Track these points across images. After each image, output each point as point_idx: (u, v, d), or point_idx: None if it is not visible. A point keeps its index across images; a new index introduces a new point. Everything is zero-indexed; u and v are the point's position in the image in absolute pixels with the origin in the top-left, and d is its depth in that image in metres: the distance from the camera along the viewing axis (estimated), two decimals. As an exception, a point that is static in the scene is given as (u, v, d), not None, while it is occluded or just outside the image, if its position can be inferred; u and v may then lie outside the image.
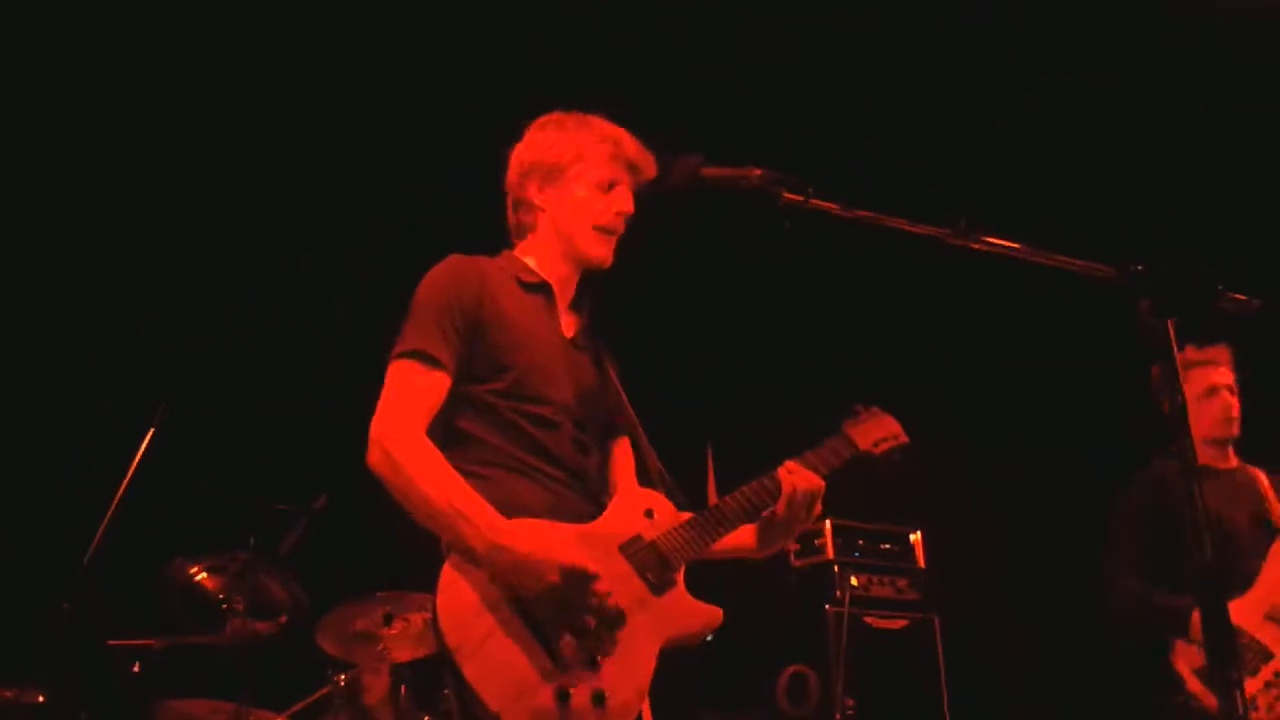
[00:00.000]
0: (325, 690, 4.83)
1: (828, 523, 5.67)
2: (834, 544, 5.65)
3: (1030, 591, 6.05)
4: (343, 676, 4.82)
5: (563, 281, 2.77)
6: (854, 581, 5.55)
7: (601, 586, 2.30)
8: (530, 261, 2.77)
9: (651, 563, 2.46)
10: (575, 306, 2.81)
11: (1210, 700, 3.98)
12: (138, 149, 5.57)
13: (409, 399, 2.46)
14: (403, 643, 4.76)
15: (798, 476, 2.59)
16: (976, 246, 2.04)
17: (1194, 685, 4.03)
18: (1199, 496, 1.72)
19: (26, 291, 5.54)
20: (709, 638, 2.48)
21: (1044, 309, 5.35)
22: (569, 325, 2.76)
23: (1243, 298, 1.77)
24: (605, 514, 2.54)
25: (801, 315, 6.47)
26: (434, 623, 2.31)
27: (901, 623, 5.66)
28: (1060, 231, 2.19)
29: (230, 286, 5.76)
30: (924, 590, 5.81)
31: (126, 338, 5.64)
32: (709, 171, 2.45)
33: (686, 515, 2.59)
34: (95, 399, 5.46)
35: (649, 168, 2.78)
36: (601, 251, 2.74)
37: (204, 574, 4.83)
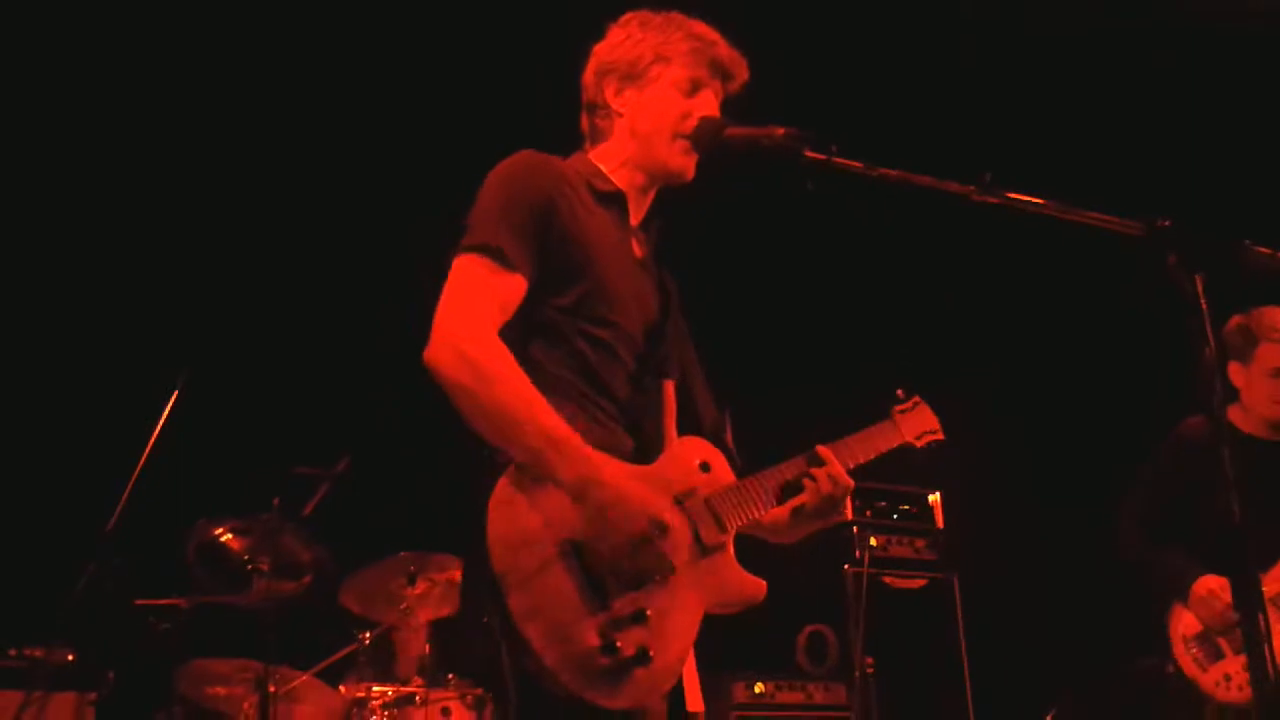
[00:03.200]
0: (350, 649, 4.89)
1: (847, 483, 5.68)
2: (853, 505, 5.66)
3: (1048, 551, 6.06)
4: (367, 635, 4.87)
5: (637, 194, 2.54)
6: (873, 542, 5.57)
7: (664, 540, 2.19)
8: (605, 169, 2.53)
9: (705, 520, 2.31)
10: (644, 225, 2.58)
11: (1193, 670, 3.97)
12: (161, 115, 5.59)
13: (481, 298, 2.20)
14: (426, 602, 4.81)
15: (832, 468, 2.44)
16: (1001, 203, 2.02)
17: (1179, 652, 4.01)
18: (1227, 460, 1.70)
19: (52, 257, 5.57)
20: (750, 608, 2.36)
21: (1066, 269, 5.34)
22: (639, 244, 2.54)
23: (1270, 252, 1.76)
24: (661, 459, 2.34)
25: (820, 277, 6.46)
26: (479, 544, 2.06)
27: (920, 582, 5.68)
28: (1086, 189, 2.18)
29: (253, 249, 5.77)
30: (942, 550, 5.83)
31: (151, 301, 5.67)
32: (733, 131, 2.43)
33: (733, 478, 2.43)
34: (120, 361, 5.49)
35: (741, 73, 2.55)
36: (681, 162, 2.49)
37: (229, 535, 4.87)
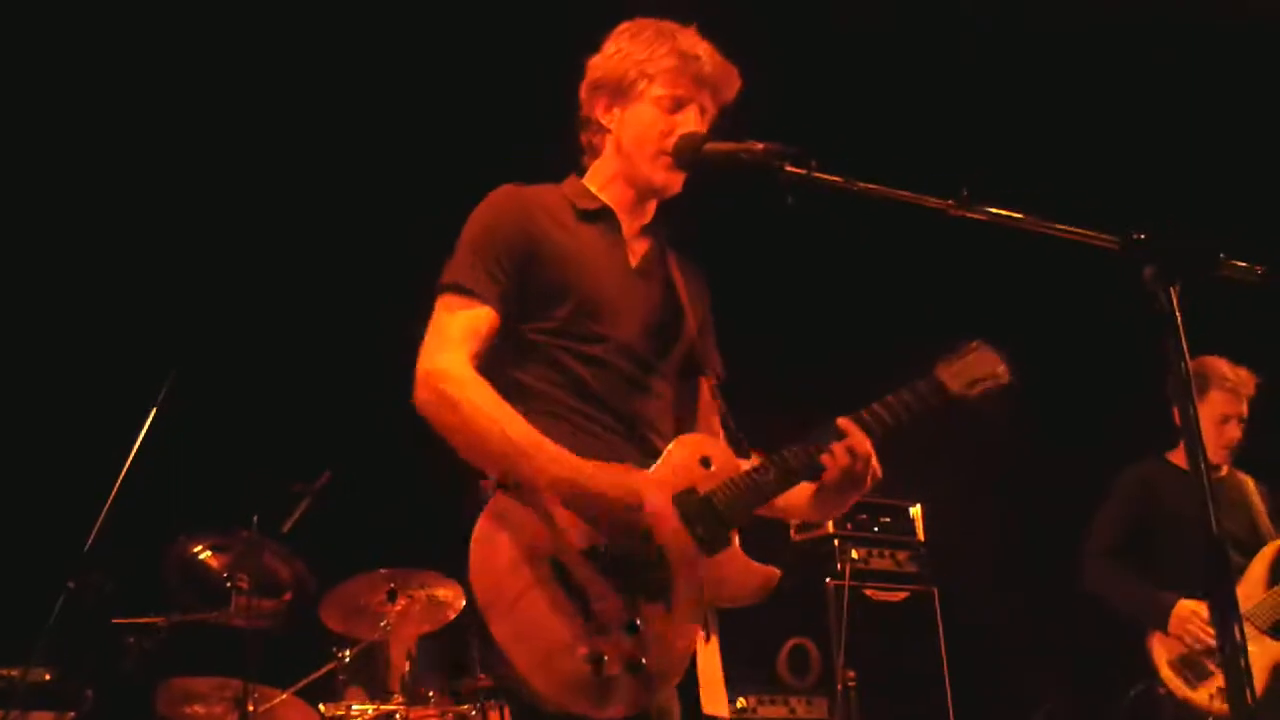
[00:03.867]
0: (331, 666, 4.86)
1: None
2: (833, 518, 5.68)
3: (1029, 565, 6.08)
4: (347, 653, 4.85)
5: (629, 207, 2.56)
6: (854, 555, 5.58)
7: (654, 539, 2.19)
8: (594, 186, 2.58)
9: (704, 518, 2.27)
10: (648, 231, 2.60)
11: (1184, 691, 4.16)
12: (147, 118, 5.55)
13: (451, 332, 2.31)
14: (407, 619, 4.79)
15: (852, 439, 2.33)
16: (980, 217, 2.04)
17: (1168, 676, 4.20)
18: (1205, 468, 1.71)
19: (32, 272, 5.54)
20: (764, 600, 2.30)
21: (1046, 283, 5.36)
22: (636, 252, 2.55)
23: (1246, 265, 1.77)
24: (660, 461, 2.33)
25: (797, 284, 6.46)
26: (467, 578, 2.14)
27: (901, 595, 5.69)
28: (1063, 203, 2.19)
29: (234, 266, 5.75)
30: (924, 563, 5.85)
31: (130, 316, 5.64)
32: (712, 147, 2.45)
33: (744, 465, 2.39)
34: (99, 378, 5.46)
35: (730, 84, 2.55)
36: (665, 178, 2.51)
37: (208, 552, 4.85)
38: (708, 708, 2.30)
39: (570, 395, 2.36)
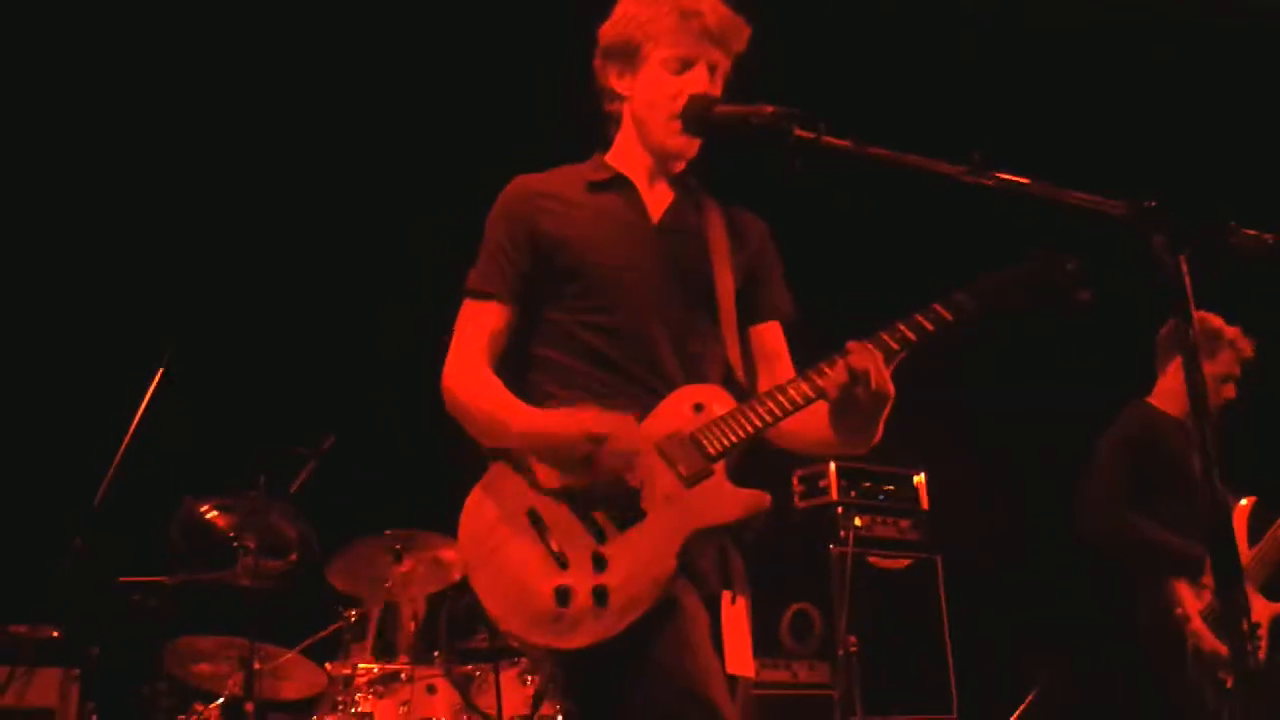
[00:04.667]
0: (336, 626, 4.89)
1: (831, 464, 5.71)
2: (838, 485, 5.70)
3: (1032, 533, 6.09)
4: (353, 612, 4.87)
5: (650, 169, 2.56)
6: (858, 522, 5.61)
7: (625, 471, 2.22)
8: (615, 157, 2.59)
9: (685, 454, 2.27)
10: (677, 185, 2.59)
11: (1209, 641, 4.15)
12: (147, 90, 5.55)
13: (465, 339, 2.47)
14: (413, 580, 4.81)
15: (853, 358, 2.22)
16: (990, 183, 2.02)
17: (1198, 625, 4.18)
18: (1207, 429, 1.70)
19: (35, 233, 5.54)
20: (759, 521, 2.28)
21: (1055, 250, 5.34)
22: (659, 208, 2.55)
23: (1256, 234, 1.77)
24: (652, 414, 2.33)
25: (798, 247, 6.44)
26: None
27: (904, 563, 5.72)
28: (1073, 170, 2.18)
29: (238, 229, 5.75)
30: (927, 531, 5.87)
31: (136, 280, 5.65)
32: (721, 109, 2.42)
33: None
34: (104, 339, 5.47)
35: (735, 39, 2.51)
36: (678, 142, 2.50)
37: (214, 512, 4.86)
38: (732, 667, 2.29)
39: (590, 365, 2.41)
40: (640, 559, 2.19)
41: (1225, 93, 5.85)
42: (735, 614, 2.36)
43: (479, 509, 2.29)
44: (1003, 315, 2.36)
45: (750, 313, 2.57)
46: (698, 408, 2.34)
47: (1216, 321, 4.53)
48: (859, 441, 2.38)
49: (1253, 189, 5.72)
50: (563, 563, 2.19)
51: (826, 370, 2.29)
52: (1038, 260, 2.34)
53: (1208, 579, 4.19)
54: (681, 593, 2.23)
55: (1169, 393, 4.60)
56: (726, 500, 2.28)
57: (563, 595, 2.16)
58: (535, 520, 2.25)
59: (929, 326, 2.31)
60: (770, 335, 2.60)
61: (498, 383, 2.42)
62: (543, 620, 2.15)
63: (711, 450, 2.29)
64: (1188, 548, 4.23)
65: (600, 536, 2.22)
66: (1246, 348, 4.54)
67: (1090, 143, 5.90)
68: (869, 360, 2.22)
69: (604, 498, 2.24)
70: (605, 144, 2.65)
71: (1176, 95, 5.85)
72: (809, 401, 2.32)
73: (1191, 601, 4.21)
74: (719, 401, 2.36)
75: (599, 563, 2.19)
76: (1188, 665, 4.17)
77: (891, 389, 2.24)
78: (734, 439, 2.30)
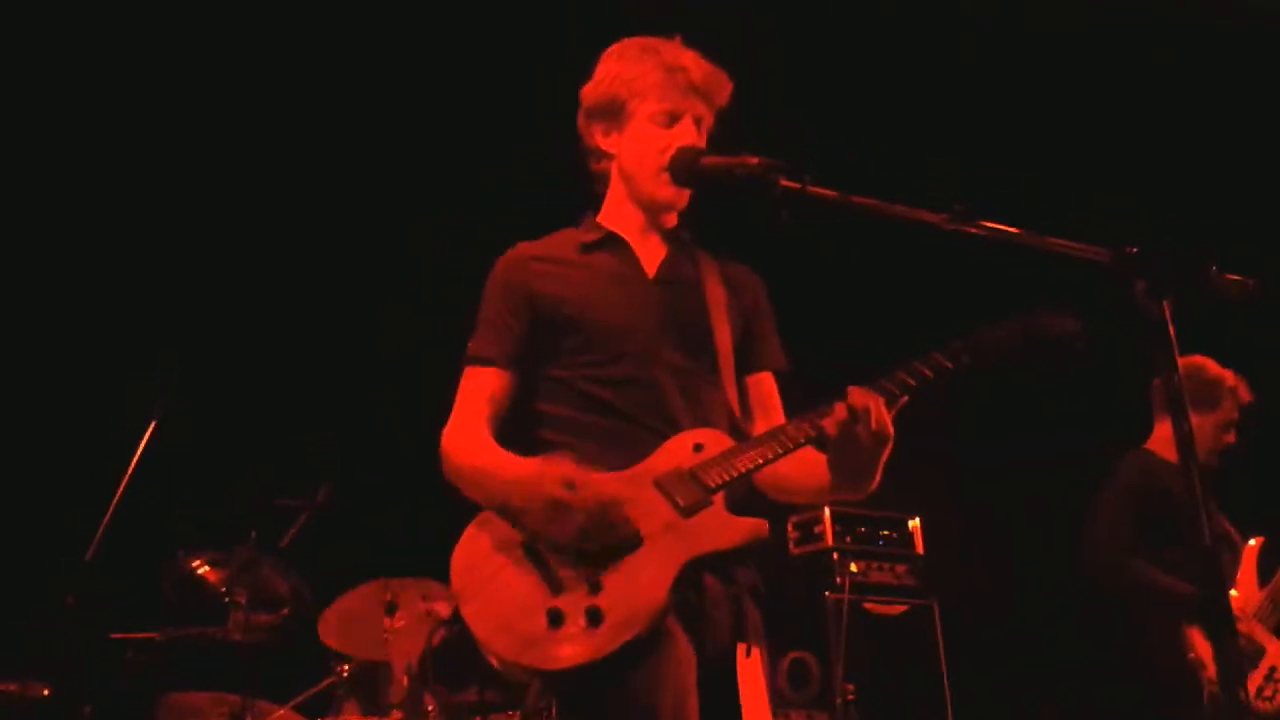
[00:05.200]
0: (329, 681, 4.86)
1: (826, 510, 5.69)
2: (833, 531, 5.68)
3: (1029, 577, 6.08)
4: (345, 667, 4.84)
5: (641, 225, 2.61)
6: (853, 568, 5.58)
7: (617, 508, 2.21)
8: (605, 216, 2.64)
9: (683, 488, 2.29)
10: (670, 240, 2.63)
11: None
12: (148, 130, 5.57)
13: (464, 405, 2.51)
14: (406, 635, 4.77)
15: (854, 397, 2.25)
16: (973, 231, 2.04)
17: (1214, 672, 4.08)
18: (1196, 480, 1.72)
19: (28, 282, 5.54)
20: (758, 548, 2.28)
21: (1041, 296, 5.36)
22: (653, 262, 2.59)
23: (1238, 278, 1.78)
24: (653, 455, 2.36)
25: (790, 299, 6.46)
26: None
27: (901, 609, 5.69)
28: (1055, 218, 2.20)
29: (232, 278, 5.76)
30: (923, 576, 5.84)
31: (129, 330, 5.65)
32: (708, 160, 2.46)
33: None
34: (97, 391, 5.46)
35: (719, 93, 2.57)
36: (668, 194, 2.55)
37: (206, 567, 4.84)
38: None
39: (598, 416, 2.44)
40: (636, 583, 2.18)
41: (1225, 95, 5.89)
42: (750, 667, 2.35)
43: (474, 542, 2.30)
44: (999, 369, 2.39)
45: (746, 363, 2.61)
46: (697, 448, 2.37)
47: (1214, 369, 4.56)
48: (857, 486, 2.38)
49: (1253, 189, 5.78)
50: (557, 587, 2.19)
51: (827, 412, 2.31)
52: (1037, 316, 2.39)
53: None
54: (674, 633, 2.21)
55: (1168, 440, 4.54)
56: (725, 528, 2.28)
57: (555, 618, 2.15)
58: (531, 551, 2.25)
59: (928, 374, 2.35)
60: (765, 385, 2.64)
61: (491, 441, 2.46)
62: (533, 642, 2.14)
63: (710, 483, 2.30)
64: (1194, 593, 4.17)
65: (597, 566, 2.21)
66: (1245, 394, 4.57)
67: (1090, 143, 5.95)
68: (869, 400, 2.25)
69: (581, 549, 2.21)
70: (595, 204, 2.69)
71: (1176, 97, 5.89)
72: (809, 440, 2.34)
73: (1206, 648, 4.15)
74: (718, 443, 2.38)
75: (594, 587, 2.18)
76: (1204, 712, 4.11)
77: (891, 431, 2.26)
78: (733, 474, 2.32)
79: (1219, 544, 4.18)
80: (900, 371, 2.34)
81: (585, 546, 2.19)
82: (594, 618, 2.13)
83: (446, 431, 2.48)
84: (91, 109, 5.52)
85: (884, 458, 2.31)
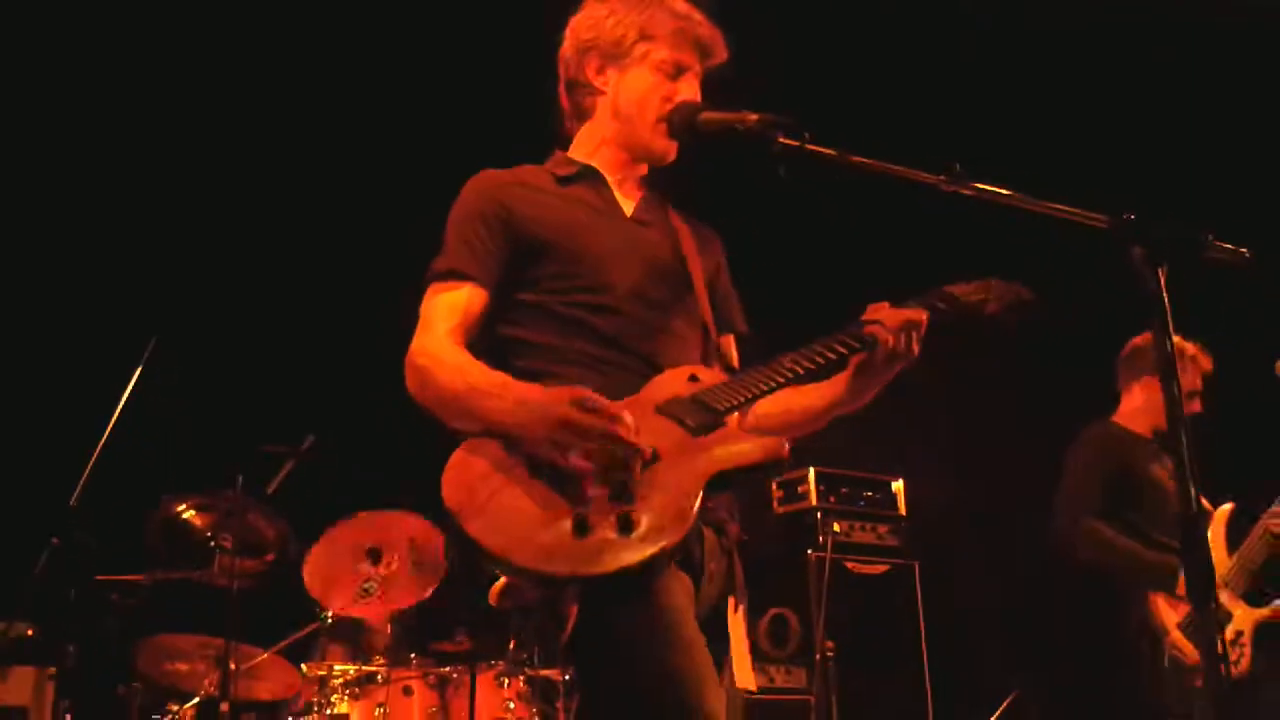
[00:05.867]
0: (313, 627, 4.88)
1: (811, 470, 5.73)
2: (817, 491, 5.72)
3: (1009, 540, 6.12)
4: (330, 614, 4.86)
5: (619, 166, 2.54)
6: (836, 528, 5.62)
7: (628, 430, 2.09)
8: (579, 153, 2.56)
9: (689, 410, 2.22)
10: (643, 185, 2.59)
11: (1191, 652, 4.15)
12: (130, 88, 5.52)
13: (434, 318, 2.33)
14: (390, 582, 4.80)
15: (886, 315, 2.34)
16: (970, 193, 2.05)
17: (1176, 636, 4.19)
18: (1185, 444, 1.73)
19: (16, 229, 5.51)
20: (779, 466, 2.21)
21: (1031, 259, 5.37)
22: (630, 202, 2.54)
23: (1232, 247, 1.79)
24: (648, 385, 2.29)
25: (778, 255, 6.45)
26: (442, 500, 2.10)
27: (882, 568, 5.74)
28: (1053, 183, 2.20)
29: (219, 226, 5.73)
30: (905, 537, 5.89)
31: (116, 276, 5.63)
32: (706, 116, 2.43)
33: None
34: (83, 337, 5.45)
35: (719, 52, 2.54)
36: (663, 145, 2.50)
37: (192, 511, 4.86)
38: (740, 681, 2.28)
39: (587, 343, 2.34)
40: (665, 494, 2.08)
41: (1225, 93, 5.88)
42: (737, 624, 2.33)
43: (467, 463, 2.14)
44: (964, 319, 2.50)
45: (717, 319, 2.56)
46: (693, 378, 2.31)
47: (1175, 340, 4.58)
48: (860, 402, 2.46)
49: (1252, 188, 5.79)
50: (577, 498, 2.06)
51: (857, 330, 2.36)
52: (996, 283, 2.56)
53: (1183, 590, 4.21)
54: (675, 580, 2.15)
55: (1133, 413, 4.68)
56: (744, 445, 2.21)
57: (581, 525, 2.02)
58: (536, 466, 2.12)
59: (941, 306, 2.45)
60: (727, 347, 2.59)
61: (477, 361, 2.29)
62: (560, 550, 2.00)
63: (719, 406, 2.25)
64: (1159, 558, 4.26)
65: (617, 477, 2.09)
66: (1206, 362, 4.60)
67: (1089, 143, 5.94)
68: (917, 313, 2.37)
69: (604, 438, 2.09)
70: (562, 143, 2.62)
71: (1176, 95, 5.88)
72: (842, 358, 2.36)
73: (1168, 614, 4.22)
74: (711, 375, 2.34)
75: (620, 498, 2.06)
76: (1166, 677, 4.19)
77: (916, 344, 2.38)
78: (743, 396, 2.27)
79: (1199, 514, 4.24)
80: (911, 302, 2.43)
81: (600, 471, 2.08)
82: (625, 525, 2.02)
83: (417, 347, 2.30)
84: (91, 92, 5.48)
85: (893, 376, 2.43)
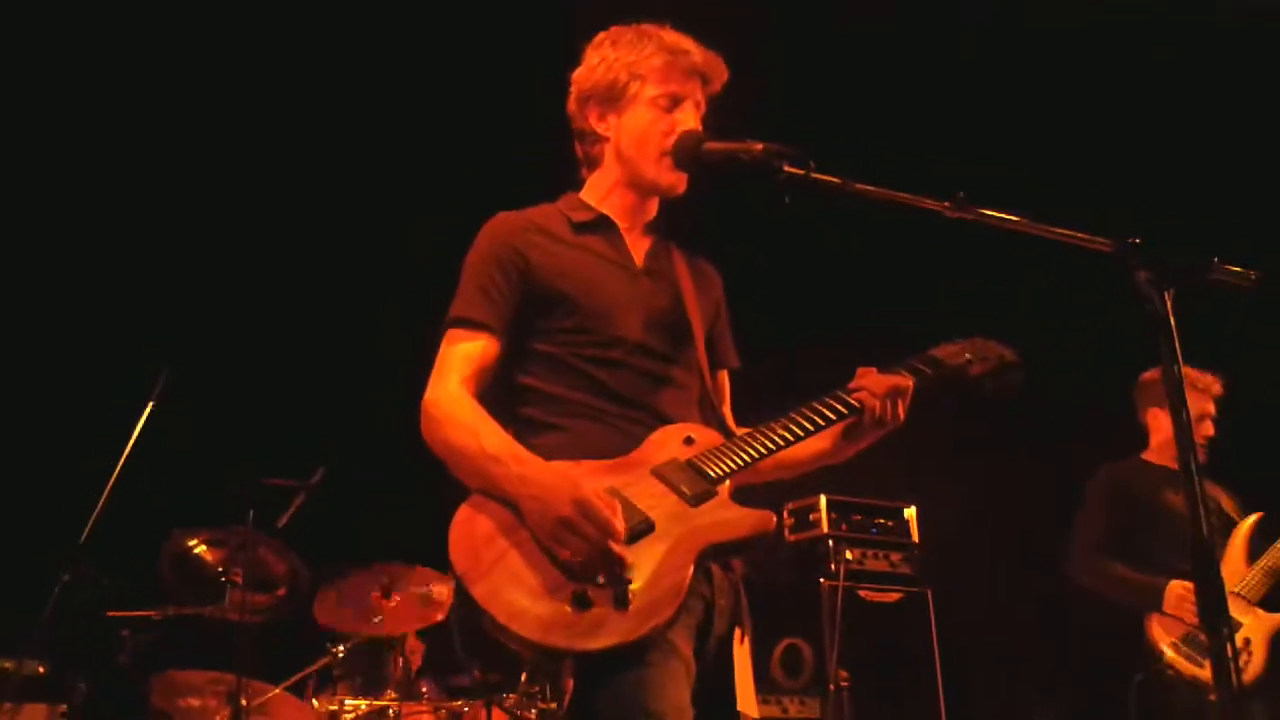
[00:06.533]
0: (324, 662, 4.87)
1: (822, 498, 5.71)
2: (829, 518, 5.69)
3: (1022, 567, 6.09)
4: (341, 648, 4.85)
5: (630, 211, 2.59)
6: (848, 555, 5.58)
7: (617, 544, 2.14)
8: (591, 198, 2.61)
9: (686, 477, 2.28)
10: (651, 230, 2.63)
11: (1191, 668, 4.22)
12: (141, 114, 5.55)
13: (450, 365, 2.39)
14: (401, 616, 4.79)
15: (873, 382, 2.46)
16: (975, 219, 2.05)
17: (1172, 657, 4.27)
18: (1195, 472, 1.72)
19: (26, 264, 5.54)
20: (766, 541, 2.27)
21: (1039, 286, 5.37)
22: (640, 251, 2.59)
23: (1239, 269, 1.79)
24: (644, 444, 2.35)
25: (790, 282, 6.46)
26: (448, 559, 2.18)
27: (895, 596, 5.70)
28: (1058, 208, 2.21)
29: (230, 261, 5.75)
30: (917, 564, 5.86)
31: (126, 311, 5.64)
32: (711, 145, 2.45)
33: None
34: (95, 373, 5.46)
35: (719, 74, 2.57)
36: (670, 178, 2.53)
37: (203, 546, 4.86)
38: (741, 705, 2.30)
39: (591, 396, 2.39)
40: (657, 568, 2.14)
41: (1225, 93, 5.88)
42: (743, 654, 2.37)
43: (471, 525, 2.21)
44: (950, 384, 2.58)
45: (716, 359, 2.64)
46: (688, 440, 2.36)
47: (1155, 373, 4.68)
48: (844, 457, 2.57)
49: (1252, 188, 5.78)
50: (579, 574, 2.11)
51: (845, 396, 2.44)
52: (979, 342, 2.65)
53: (1168, 606, 4.30)
54: (676, 643, 2.19)
55: (1160, 446, 4.79)
56: (734, 517, 2.26)
57: (581, 600, 2.08)
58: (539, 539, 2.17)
59: (928, 371, 2.55)
60: (721, 382, 2.68)
61: (490, 419, 2.34)
62: (560, 624, 2.07)
63: (713, 474, 2.30)
64: (1146, 580, 4.38)
65: (610, 564, 2.14)
66: (1213, 384, 4.69)
67: (1089, 143, 5.94)
68: (903, 380, 2.47)
69: (596, 540, 2.14)
70: (575, 186, 2.67)
71: (1176, 96, 5.88)
72: (830, 424, 2.43)
73: (1161, 635, 4.31)
74: (706, 436, 2.39)
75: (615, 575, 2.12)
76: (1176, 704, 4.24)
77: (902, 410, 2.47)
78: (733, 465, 2.32)
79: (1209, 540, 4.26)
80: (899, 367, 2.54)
81: (580, 569, 2.12)
82: (622, 601, 2.09)
83: (433, 397, 2.35)
84: (101, 122, 5.51)
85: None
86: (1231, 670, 1.62)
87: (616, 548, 2.12)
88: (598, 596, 2.09)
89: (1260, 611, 4.35)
